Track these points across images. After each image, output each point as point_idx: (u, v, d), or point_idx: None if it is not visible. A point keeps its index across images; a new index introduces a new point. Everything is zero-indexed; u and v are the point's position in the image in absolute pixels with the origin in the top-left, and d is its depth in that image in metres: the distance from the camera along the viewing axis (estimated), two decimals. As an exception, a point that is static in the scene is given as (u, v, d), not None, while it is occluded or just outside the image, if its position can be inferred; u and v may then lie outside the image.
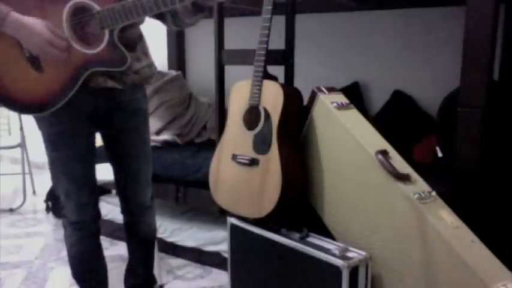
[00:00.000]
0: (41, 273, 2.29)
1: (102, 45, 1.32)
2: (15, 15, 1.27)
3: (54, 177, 1.54)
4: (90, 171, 1.54)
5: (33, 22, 1.28)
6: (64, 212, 1.56)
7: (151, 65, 1.57)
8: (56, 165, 1.50)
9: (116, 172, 1.64)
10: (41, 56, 1.33)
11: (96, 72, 1.38)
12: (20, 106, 1.40)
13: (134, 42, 1.48)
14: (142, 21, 1.51)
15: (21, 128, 3.33)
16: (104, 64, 1.34)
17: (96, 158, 1.57)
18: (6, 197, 3.47)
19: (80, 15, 1.32)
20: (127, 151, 1.59)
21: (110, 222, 2.57)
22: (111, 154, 1.61)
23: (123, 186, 1.65)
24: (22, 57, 1.34)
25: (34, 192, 3.57)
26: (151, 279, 1.86)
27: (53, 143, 1.47)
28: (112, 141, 1.59)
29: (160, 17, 1.53)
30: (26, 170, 3.40)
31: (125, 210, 1.70)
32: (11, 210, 3.21)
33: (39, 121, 1.47)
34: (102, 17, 1.30)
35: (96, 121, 1.50)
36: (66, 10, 1.31)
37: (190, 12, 1.46)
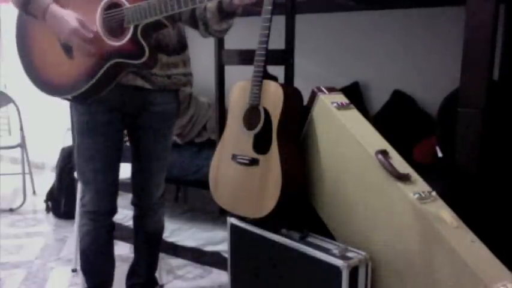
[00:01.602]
0: (41, 273, 2.29)
1: (126, 39, 1.41)
2: (54, 7, 1.42)
3: (78, 165, 1.62)
4: (113, 163, 1.62)
5: (65, 13, 1.41)
6: (82, 202, 1.63)
7: (187, 74, 1.67)
8: (81, 152, 1.59)
9: (133, 167, 1.73)
10: (70, 44, 1.44)
11: (125, 68, 1.45)
12: (50, 88, 1.52)
13: (170, 47, 1.57)
14: (171, 25, 1.55)
15: (21, 128, 3.33)
16: (123, 56, 1.42)
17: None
18: (6, 197, 3.47)
19: (111, 10, 1.42)
20: (146, 151, 1.67)
21: (110, 222, 2.57)
22: (132, 149, 1.70)
23: (137, 182, 1.74)
24: (58, 45, 1.48)
25: (34, 192, 3.57)
26: (153, 281, 1.87)
27: (83, 130, 1.56)
28: (135, 139, 1.68)
29: (194, 25, 1.61)
30: (26, 170, 3.40)
31: (135, 204, 1.78)
32: (11, 210, 3.21)
33: (74, 110, 1.59)
34: (129, 13, 1.39)
35: (125, 117, 1.60)
36: (101, 5, 1.42)
37: (217, 18, 1.51)
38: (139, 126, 1.64)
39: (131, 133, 1.68)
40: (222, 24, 1.54)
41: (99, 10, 1.42)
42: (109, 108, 1.54)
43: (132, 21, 1.40)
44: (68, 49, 1.47)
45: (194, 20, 1.59)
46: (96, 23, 1.43)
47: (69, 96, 1.51)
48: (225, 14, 1.50)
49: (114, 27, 1.43)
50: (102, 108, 1.53)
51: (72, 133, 1.69)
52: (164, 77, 1.57)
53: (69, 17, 1.39)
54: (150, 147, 1.67)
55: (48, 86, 1.53)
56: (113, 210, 1.66)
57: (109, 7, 1.42)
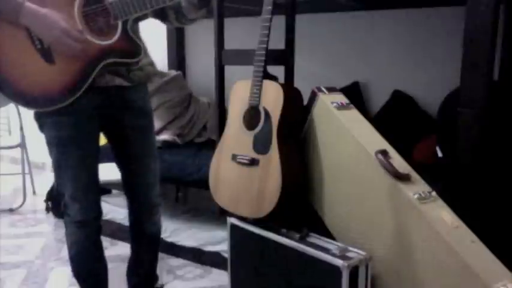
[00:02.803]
0: (41, 273, 2.29)
1: (116, 36, 1.31)
2: (30, 6, 1.26)
3: (59, 179, 1.52)
4: (95, 173, 1.54)
5: (49, 13, 1.27)
6: (67, 211, 1.55)
7: (152, 63, 1.58)
8: (61, 168, 1.48)
9: (124, 172, 1.64)
10: (56, 47, 1.30)
11: (103, 70, 1.36)
12: (31, 100, 1.35)
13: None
14: (145, 18, 1.50)
15: (21, 128, 3.33)
16: (118, 55, 1.33)
17: (100, 158, 1.56)
18: (6, 197, 3.47)
19: (91, 6, 1.31)
20: (135, 151, 1.59)
21: (110, 222, 2.57)
22: (118, 154, 1.62)
23: (132, 185, 1.66)
24: (33, 50, 1.32)
25: (34, 192, 3.57)
26: (154, 277, 1.86)
27: (59, 146, 1.44)
28: (119, 141, 1.59)
29: (162, 15, 1.52)
30: (26, 170, 3.39)
31: (132, 210, 1.71)
32: (11, 210, 3.21)
33: (44, 123, 1.44)
34: (115, 7, 1.29)
35: (103, 121, 1.51)
36: (77, 1, 1.30)
37: (194, 6, 1.44)
38: (124, 128, 1.55)
39: (116, 137, 1.59)
40: (198, 12, 1.47)
41: (76, 6, 1.29)
42: (86, 118, 1.43)
43: (121, 17, 1.30)
44: (46, 53, 1.31)
45: (162, 11, 1.49)
46: (77, 21, 1.30)
47: (56, 107, 1.35)
48: (203, 2, 1.43)
49: (97, 25, 1.31)
50: (77, 119, 1.41)
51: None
52: (138, 71, 1.49)
53: (54, 16, 1.26)
54: (141, 147, 1.59)
55: (26, 98, 1.34)
56: (99, 215, 1.58)
57: (86, 2, 1.30)
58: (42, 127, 1.46)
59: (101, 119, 1.49)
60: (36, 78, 1.33)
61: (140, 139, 1.59)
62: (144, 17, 1.44)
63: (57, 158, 1.47)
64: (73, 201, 1.51)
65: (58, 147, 1.45)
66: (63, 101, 1.34)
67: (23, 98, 1.35)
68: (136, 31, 1.46)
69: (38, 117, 1.46)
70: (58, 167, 1.49)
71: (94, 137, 1.51)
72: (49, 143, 1.47)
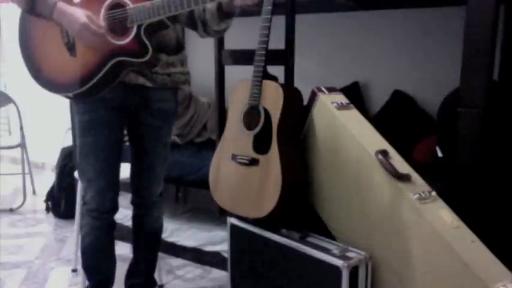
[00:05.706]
0: (41, 273, 2.29)
1: (129, 38, 1.45)
2: (61, 5, 1.45)
3: (79, 164, 1.63)
4: (115, 161, 1.63)
5: (75, 10, 1.44)
6: (84, 200, 1.64)
7: (185, 73, 1.69)
8: (83, 150, 1.59)
9: (133, 165, 1.74)
10: (77, 39, 1.47)
11: (127, 66, 1.48)
12: (53, 85, 1.54)
13: (169, 47, 1.59)
14: (172, 25, 1.58)
15: (21, 128, 3.33)
16: (127, 54, 1.45)
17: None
18: (6, 197, 3.47)
19: (115, 10, 1.45)
20: (147, 148, 1.69)
21: (110, 222, 2.56)
22: (132, 146, 1.72)
23: (137, 180, 1.75)
24: (61, 43, 1.51)
25: (34, 192, 3.57)
26: (152, 281, 1.87)
27: (84, 129, 1.58)
28: (135, 136, 1.70)
29: (192, 26, 1.64)
30: (26, 170, 3.40)
31: (134, 202, 1.79)
32: (11, 210, 3.21)
33: (75, 109, 1.60)
34: (132, 12, 1.43)
35: (126, 115, 1.62)
36: (104, 5, 1.46)
37: (216, 18, 1.54)
38: (140, 124, 1.65)
39: (132, 131, 1.69)
40: (221, 24, 1.56)
41: (102, 10, 1.45)
42: (110, 107, 1.56)
43: (136, 21, 1.43)
44: (70, 47, 1.49)
45: (192, 21, 1.61)
46: (100, 20, 1.46)
47: (71, 94, 1.52)
48: (224, 14, 1.52)
49: (117, 27, 1.46)
50: (103, 106, 1.55)
51: (73, 132, 1.69)
52: (164, 75, 1.60)
53: (78, 13, 1.42)
54: (151, 144, 1.68)
55: (50, 83, 1.54)
56: (115, 208, 1.66)
57: (112, 7, 1.45)
58: (75, 112, 1.61)
59: (124, 113, 1.61)
60: (59, 67, 1.53)
61: (153, 138, 1.68)
62: (164, 27, 1.54)
63: (81, 141, 1.59)
64: (89, 186, 1.61)
65: (83, 130, 1.58)
66: (76, 89, 1.49)
67: (46, 83, 1.54)
68: (163, 39, 1.56)
69: (71, 105, 1.63)
70: (80, 150, 1.60)
71: (117, 128, 1.61)
72: (77, 128, 1.60)
